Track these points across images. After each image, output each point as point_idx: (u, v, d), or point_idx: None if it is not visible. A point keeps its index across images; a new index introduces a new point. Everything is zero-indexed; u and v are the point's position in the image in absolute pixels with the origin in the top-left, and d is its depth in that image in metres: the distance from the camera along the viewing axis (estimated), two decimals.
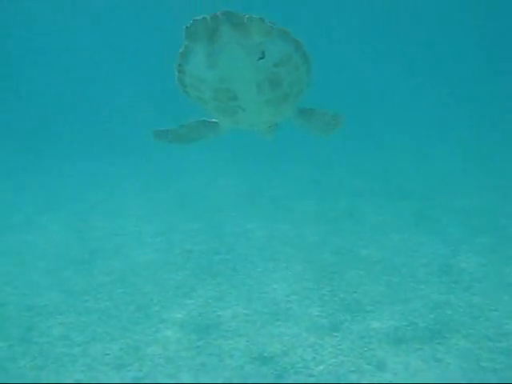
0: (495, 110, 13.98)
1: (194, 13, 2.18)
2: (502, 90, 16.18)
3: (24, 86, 20.48)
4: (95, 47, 21.37)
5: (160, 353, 4.66)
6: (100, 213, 9.09)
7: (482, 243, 6.56)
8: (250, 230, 7.58)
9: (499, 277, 5.69)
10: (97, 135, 16.50)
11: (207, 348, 4.69)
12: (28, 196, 10.67)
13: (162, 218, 8.51)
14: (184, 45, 2.30)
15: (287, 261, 6.44)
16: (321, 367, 4.29)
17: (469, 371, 4.12)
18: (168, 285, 6.03)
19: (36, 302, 5.76)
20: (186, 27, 2.14)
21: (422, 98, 16.75)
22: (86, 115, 18.68)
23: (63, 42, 21.42)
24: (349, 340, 4.64)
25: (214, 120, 2.86)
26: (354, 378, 4.13)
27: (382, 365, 4.26)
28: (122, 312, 5.46)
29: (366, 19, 19.67)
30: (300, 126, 2.89)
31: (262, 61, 2.27)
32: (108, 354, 4.73)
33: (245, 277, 6.09)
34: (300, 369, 4.29)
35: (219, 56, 2.21)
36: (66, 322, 5.33)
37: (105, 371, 4.48)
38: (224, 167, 11.66)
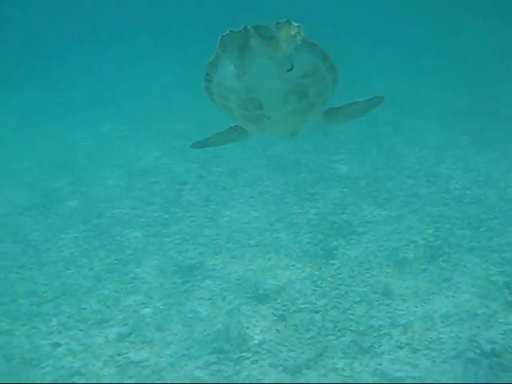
0: None
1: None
2: None
3: None
4: None
5: (144, 302, 4.21)
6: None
7: (465, 147, 6.27)
8: (217, 155, 6.99)
9: (489, 182, 5.45)
10: None
11: (195, 291, 4.26)
12: None
13: (119, 148, 7.76)
14: (214, 54, 2.38)
15: (264, 184, 5.97)
16: (324, 301, 3.96)
17: (481, 288, 3.90)
18: (137, 223, 5.48)
19: None
20: (222, 36, 2.19)
21: None
22: None
23: None
24: (348, 267, 4.31)
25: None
26: (361, 309, 3.82)
27: (389, 291, 3.97)
28: (91, 259, 4.91)
29: None
30: (325, 126, 3.00)
31: (289, 73, 2.33)
32: (84, 309, 4.23)
33: (220, 206, 5.60)
34: (302, 305, 3.94)
35: (249, 68, 2.29)
36: (29, 275, 4.75)
37: (85, 329, 4.00)
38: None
